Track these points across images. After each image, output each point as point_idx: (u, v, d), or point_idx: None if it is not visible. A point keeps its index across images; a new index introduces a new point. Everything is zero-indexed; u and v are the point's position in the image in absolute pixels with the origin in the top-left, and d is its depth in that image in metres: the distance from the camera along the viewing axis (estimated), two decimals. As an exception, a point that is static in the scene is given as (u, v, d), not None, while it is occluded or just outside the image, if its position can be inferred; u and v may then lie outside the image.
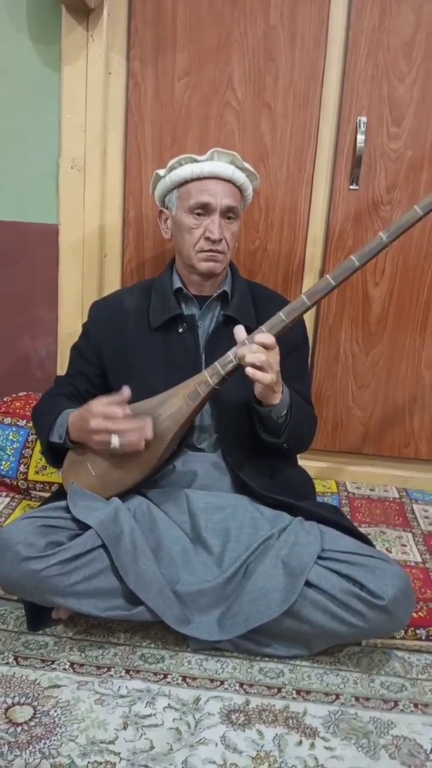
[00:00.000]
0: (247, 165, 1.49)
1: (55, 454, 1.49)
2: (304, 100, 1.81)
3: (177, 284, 1.54)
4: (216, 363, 1.34)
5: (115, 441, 1.32)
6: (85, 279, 1.93)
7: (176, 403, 1.36)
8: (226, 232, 1.46)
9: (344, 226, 1.88)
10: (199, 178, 1.45)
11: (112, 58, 1.82)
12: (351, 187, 1.85)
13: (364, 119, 1.79)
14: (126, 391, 1.33)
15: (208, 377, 1.34)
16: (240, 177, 1.48)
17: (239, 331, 1.31)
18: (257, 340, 1.28)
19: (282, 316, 1.31)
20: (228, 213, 1.46)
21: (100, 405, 1.33)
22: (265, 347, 1.28)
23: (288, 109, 1.82)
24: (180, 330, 1.51)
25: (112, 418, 1.31)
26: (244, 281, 1.61)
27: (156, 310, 1.52)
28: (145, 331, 1.52)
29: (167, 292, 1.53)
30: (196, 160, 1.45)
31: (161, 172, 1.50)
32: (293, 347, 1.55)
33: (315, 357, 1.97)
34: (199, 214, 1.45)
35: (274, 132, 1.83)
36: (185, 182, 1.46)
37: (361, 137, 1.79)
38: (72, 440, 1.43)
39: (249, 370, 1.26)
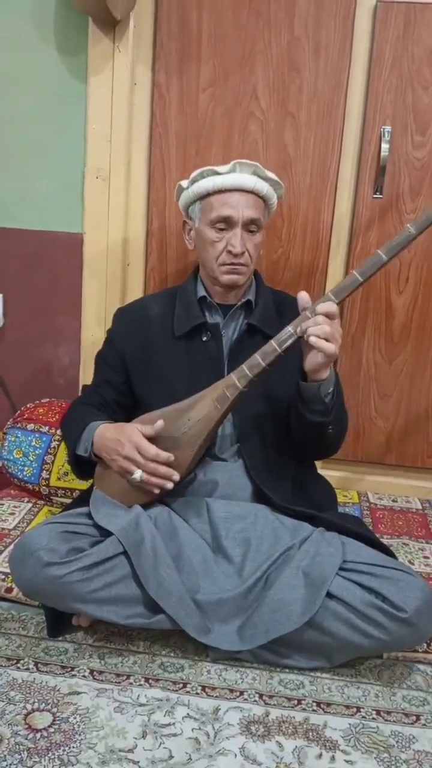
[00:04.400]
0: (270, 174, 1.48)
1: (82, 466, 1.50)
2: (328, 110, 1.81)
3: (201, 293, 1.54)
4: (243, 365, 1.33)
5: (137, 475, 1.34)
6: (108, 288, 1.94)
7: (205, 407, 1.36)
8: (248, 244, 1.45)
9: (368, 235, 1.87)
10: (220, 191, 1.44)
11: (138, 70, 1.84)
12: (375, 195, 1.84)
13: (388, 128, 1.79)
14: (159, 424, 1.34)
15: (236, 380, 1.34)
16: (263, 187, 1.47)
17: (303, 297, 1.31)
18: (320, 310, 1.27)
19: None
20: (250, 225, 1.46)
21: (139, 435, 1.34)
22: (329, 317, 1.27)
23: (312, 119, 1.82)
24: (204, 338, 1.51)
25: (144, 453, 1.32)
26: (268, 290, 1.61)
27: (180, 319, 1.53)
28: (169, 339, 1.53)
29: (191, 301, 1.54)
30: (218, 173, 1.44)
31: (184, 183, 1.51)
32: None
33: (337, 366, 1.96)
34: (221, 228, 1.45)
35: (298, 141, 1.84)
36: (207, 195, 1.46)
37: (385, 146, 1.79)
38: (96, 454, 1.43)
39: (313, 340, 1.26)
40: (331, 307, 1.28)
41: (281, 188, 1.53)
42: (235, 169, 1.45)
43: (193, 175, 1.47)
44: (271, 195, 1.50)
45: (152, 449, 1.32)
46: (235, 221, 1.44)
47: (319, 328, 1.26)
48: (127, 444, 1.33)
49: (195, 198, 1.49)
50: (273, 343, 1.31)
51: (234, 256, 1.44)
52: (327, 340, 1.26)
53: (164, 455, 1.33)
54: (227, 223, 1.44)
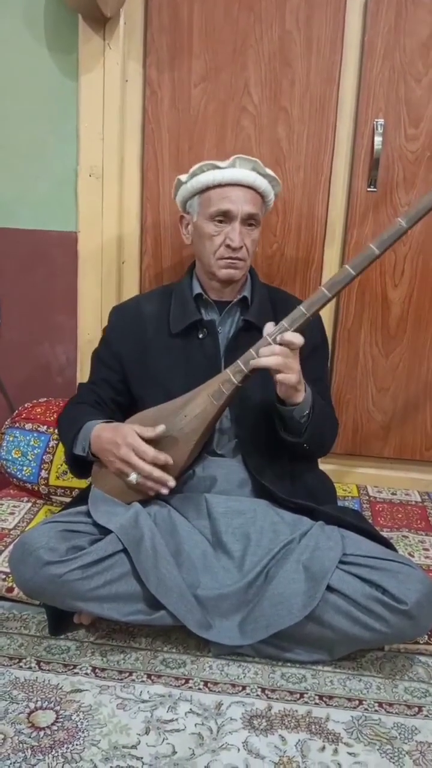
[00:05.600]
0: (269, 171, 1.49)
1: (80, 465, 1.50)
2: (321, 104, 1.81)
3: (197, 290, 1.54)
4: (238, 360, 1.34)
5: (133, 477, 1.34)
6: (103, 286, 1.94)
7: (201, 403, 1.36)
8: (246, 239, 1.46)
9: (362, 229, 1.87)
10: (220, 185, 1.45)
11: (129, 66, 1.83)
12: (369, 189, 1.84)
13: (381, 121, 1.78)
14: (161, 428, 1.34)
15: (231, 375, 1.34)
16: (262, 183, 1.47)
17: (269, 326, 1.32)
18: (286, 338, 1.28)
19: (303, 310, 1.31)
20: (249, 220, 1.46)
21: (135, 437, 1.33)
22: (290, 346, 1.28)
23: (305, 113, 1.82)
24: (200, 336, 1.51)
25: (141, 456, 1.32)
26: (264, 286, 1.61)
27: (176, 316, 1.53)
28: (165, 337, 1.53)
29: (187, 298, 1.54)
30: (218, 167, 1.45)
31: (183, 177, 1.51)
32: (312, 350, 1.55)
33: (334, 360, 1.96)
34: (220, 222, 1.45)
35: (291, 136, 1.83)
36: (207, 189, 1.46)
37: (378, 139, 1.78)
38: (93, 453, 1.43)
39: (273, 371, 1.28)
40: (295, 337, 1.28)
41: (279, 185, 1.53)
42: (235, 164, 1.45)
43: (193, 169, 1.48)
44: (269, 191, 1.51)
45: (150, 452, 1.32)
46: (234, 215, 1.44)
47: (272, 359, 1.27)
48: (123, 446, 1.33)
49: (194, 192, 1.49)
50: (267, 338, 1.31)
51: (232, 250, 1.45)
52: (279, 371, 1.28)
53: (162, 457, 1.33)
54: (226, 217, 1.45)
